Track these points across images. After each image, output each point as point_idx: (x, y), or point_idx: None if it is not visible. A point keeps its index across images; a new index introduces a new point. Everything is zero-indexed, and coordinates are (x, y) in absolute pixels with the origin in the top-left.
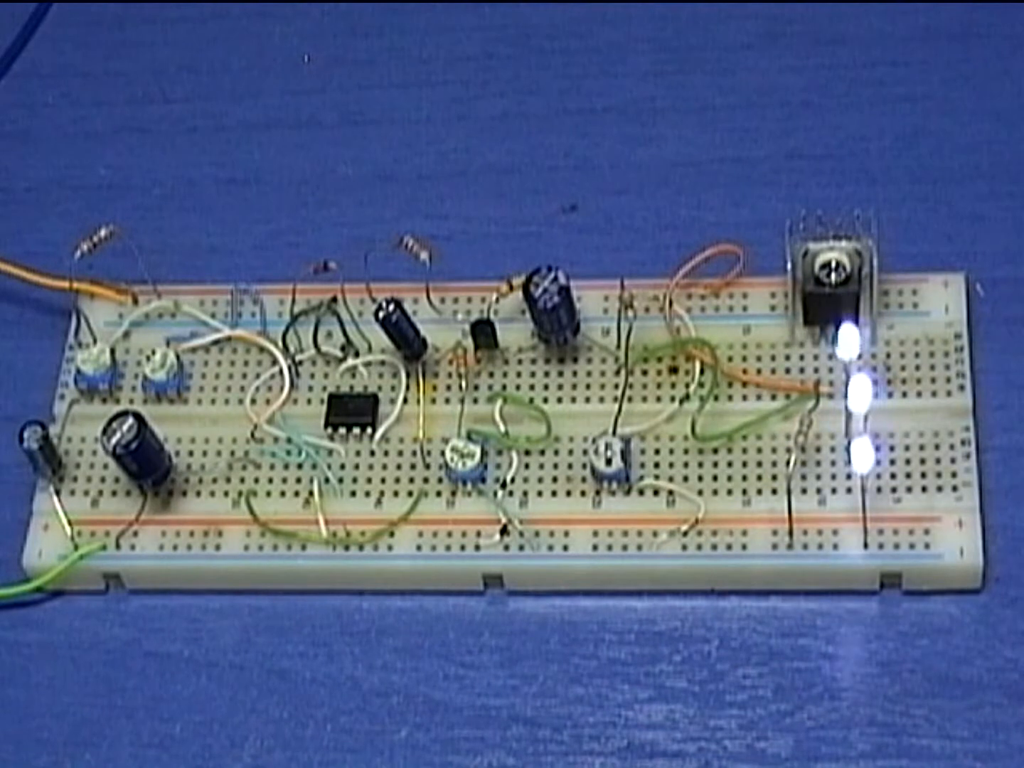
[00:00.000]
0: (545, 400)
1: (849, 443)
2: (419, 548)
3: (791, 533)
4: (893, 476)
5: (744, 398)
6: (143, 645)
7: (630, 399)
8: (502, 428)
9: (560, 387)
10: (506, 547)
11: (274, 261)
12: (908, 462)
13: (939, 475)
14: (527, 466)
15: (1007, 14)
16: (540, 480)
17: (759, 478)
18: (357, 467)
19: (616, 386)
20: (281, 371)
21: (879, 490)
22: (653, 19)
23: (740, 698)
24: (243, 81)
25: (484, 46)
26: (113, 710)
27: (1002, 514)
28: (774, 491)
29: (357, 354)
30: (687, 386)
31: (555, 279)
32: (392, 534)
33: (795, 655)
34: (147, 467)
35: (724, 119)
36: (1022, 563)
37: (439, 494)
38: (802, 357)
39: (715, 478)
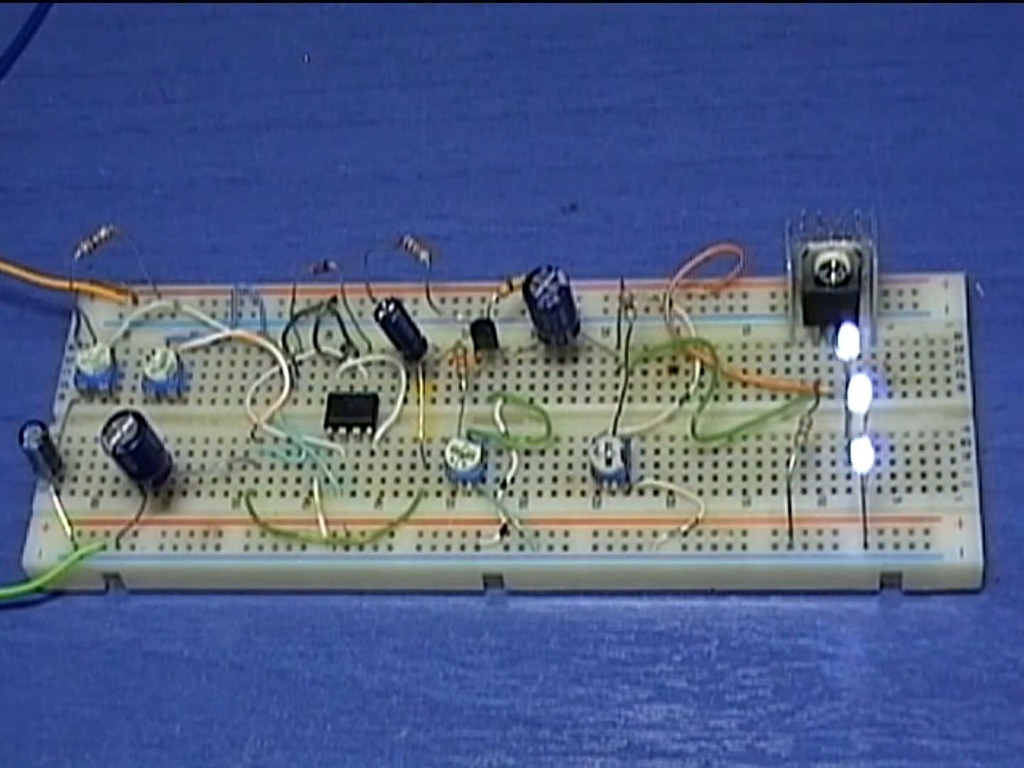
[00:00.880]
0: (545, 400)
1: (849, 443)
2: (419, 548)
3: (791, 533)
4: (893, 476)
5: (744, 398)
6: (143, 645)
7: (630, 399)
8: (502, 428)
9: (560, 387)
10: (506, 547)
11: (274, 261)
12: (908, 462)
13: (939, 475)
14: (527, 466)
15: (1007, 14)
16: (540, 480)
17: (759, 478)
18: (357, 467)
19: (616, 386)
20: (281, 371)
21: (879, 490)
22: (653, 19)
23: (740, 698)
24: (243, 81)
25: (484, 46)
26: (113, 710)
27: (1002, 514)
28: (774, 491)
29: (357, 354)
30: (687, 386)
31: (555, 279)
32: (392, 534)
33: (795, 655)
34: (147, 467)
35: (724, 119)
36: (1022, 563)
37: (439, 494)
38: (802, 357)
39: (715, 478)
